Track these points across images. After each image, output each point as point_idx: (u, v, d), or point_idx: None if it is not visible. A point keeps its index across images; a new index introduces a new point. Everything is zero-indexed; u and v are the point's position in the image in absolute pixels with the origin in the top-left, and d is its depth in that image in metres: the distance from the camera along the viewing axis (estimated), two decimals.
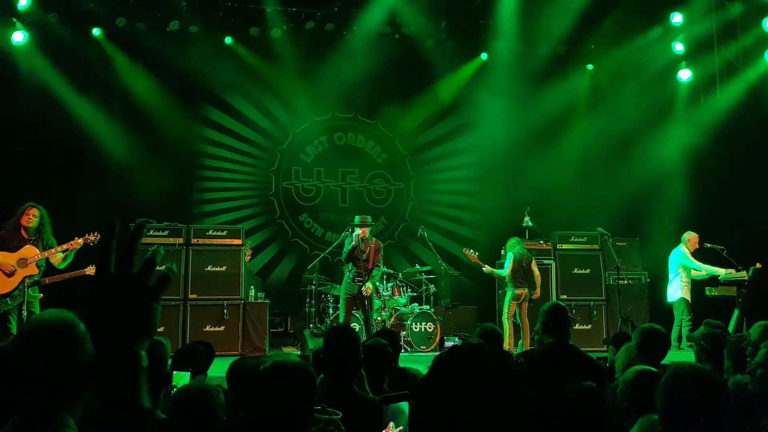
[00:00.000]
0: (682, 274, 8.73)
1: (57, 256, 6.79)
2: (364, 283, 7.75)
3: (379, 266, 8.08)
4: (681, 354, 7.74)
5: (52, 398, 1.50)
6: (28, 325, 2.34)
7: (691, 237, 8.80)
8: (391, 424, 2.85)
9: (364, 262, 7.79)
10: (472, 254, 8.85)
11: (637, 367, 2.85)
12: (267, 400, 1.94)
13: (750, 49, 10.21)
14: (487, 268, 8.83)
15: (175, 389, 3.00)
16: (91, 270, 7.15)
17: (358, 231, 7.81)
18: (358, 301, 7.91)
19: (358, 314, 9.00)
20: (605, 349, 8.95)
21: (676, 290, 8.68)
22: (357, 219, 8.01)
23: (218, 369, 4.15)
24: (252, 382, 2.00)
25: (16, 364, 1.55)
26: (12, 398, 1.50)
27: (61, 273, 6.97)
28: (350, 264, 7.89)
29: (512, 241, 8.81)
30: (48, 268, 6.95)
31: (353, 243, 7.79)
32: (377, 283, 9.47)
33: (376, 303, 9.26)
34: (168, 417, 2.42)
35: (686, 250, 8.72)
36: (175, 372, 3.01)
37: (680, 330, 8.51)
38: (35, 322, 1.72)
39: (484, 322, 5.31)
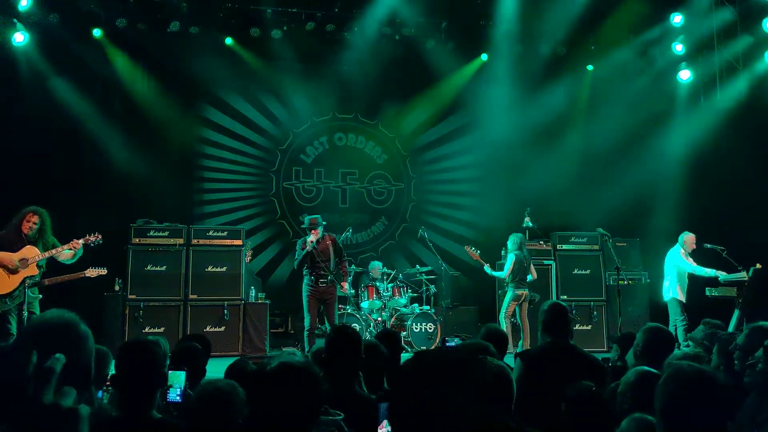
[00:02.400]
0: (676, 275, 8.70)
1: (64, 253, 6.81)
2: (333, 283, 7.64)
3: (345, 263, 7.90)
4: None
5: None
6: (29, 325, 2.39)
7: (688, 238, 8.66)
8: (385, 421, 2.86)
9: (324, 262, 7.69)
10: (473, 252, 8.85)
11: (638, 368, 2.84)
12: (272, 400, 1.95)
13: (750, 49, 10.20)
14: (488, 267, 8.83)
15: (171, 389, 3.01)
16: (90, 272, 7.16)
17: (311, 236, 7.66)
18: (322, 303, 7.73)
19: (357, 314, 9.01)
20: (605, 349, 9.00)
21: (669, 290, 8.63)
22: (306, 221, 7.84)
23: (218, 370, 4.14)
24: (257, 381, 2.01)
25: (16, 363, 1.56)
26: (10, 397, 1.50)
27: (61, 275, 6.99)
28: (308, 265, 7.75)
29: (513, 240, 8.78)
30: (48, 270, 6.96)
31: (306, 248, 7.64)
32: (377, 284, 9.49)
33: (377, 303, 9.27)
34: (193, 406, 2.51)
35: (683, 251, 8.66)
36: (170, 372, 3.01)
37: (675, 330, 8.49)
38: (36, 321, 1.77)
39: (485, 323, 5.31)
